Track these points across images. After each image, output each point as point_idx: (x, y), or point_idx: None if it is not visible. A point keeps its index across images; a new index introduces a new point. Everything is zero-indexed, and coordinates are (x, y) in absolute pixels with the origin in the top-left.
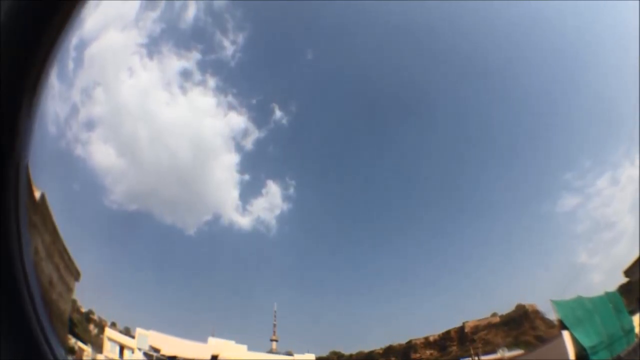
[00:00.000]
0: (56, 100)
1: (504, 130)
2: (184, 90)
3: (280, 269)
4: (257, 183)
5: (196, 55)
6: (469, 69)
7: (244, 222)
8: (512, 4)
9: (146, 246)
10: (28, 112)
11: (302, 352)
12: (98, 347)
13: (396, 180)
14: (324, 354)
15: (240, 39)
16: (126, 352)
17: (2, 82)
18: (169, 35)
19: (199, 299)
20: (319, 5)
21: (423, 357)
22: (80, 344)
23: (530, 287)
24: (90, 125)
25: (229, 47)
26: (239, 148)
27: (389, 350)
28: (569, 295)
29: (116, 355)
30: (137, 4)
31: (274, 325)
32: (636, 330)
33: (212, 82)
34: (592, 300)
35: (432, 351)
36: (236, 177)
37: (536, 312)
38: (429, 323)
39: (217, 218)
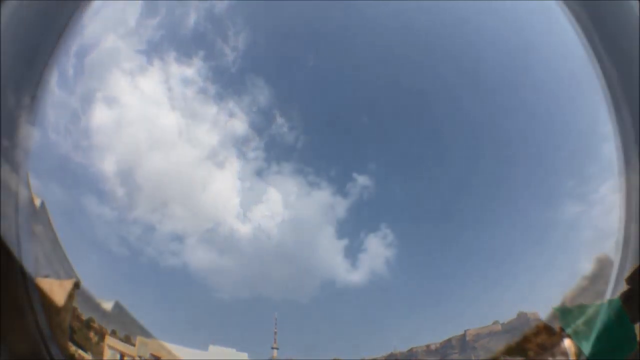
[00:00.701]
0: (57, 107)
1: (511, 139)
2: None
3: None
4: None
5: (198, 62)
6: (474, 73)
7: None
8: None
9: (147, 255)
10: (28, 119)
11: None
12: (98, 355)
13: (398, 186)
14: None
15: (240, 44)
16: None
17: (1, 89)
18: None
19: (199, 306)
20: (320, 9)
21: None
22: (80, 351)
23: (532, 295)
24: (91, 132)
25: (230, 53)
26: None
27: (390, 357)
28: (571, 302)
29: None
30: (138, 9)
31: (275, 333)
32: (638, 338)
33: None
34: (594, 307)
35: (433, 359)
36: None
37: (538, 320)
38: (430, 331)
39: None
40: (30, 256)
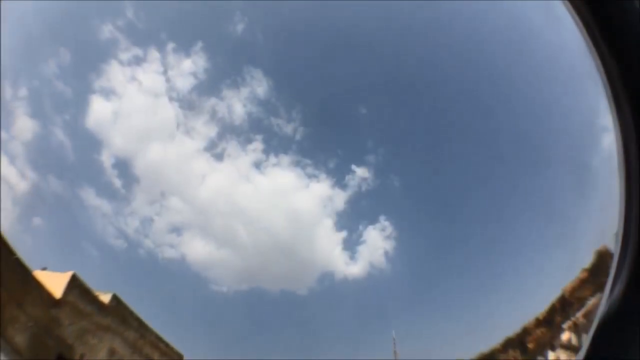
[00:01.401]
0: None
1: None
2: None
3: None
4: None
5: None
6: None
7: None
8: None
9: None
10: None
11: None
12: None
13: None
14: None
15: (295, 114)
16: None
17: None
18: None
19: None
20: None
21: None
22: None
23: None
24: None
25: (286, 125)
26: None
27: None
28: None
29: None
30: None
31: None
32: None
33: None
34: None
35: None
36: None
37: None
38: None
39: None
40: (28, 248)
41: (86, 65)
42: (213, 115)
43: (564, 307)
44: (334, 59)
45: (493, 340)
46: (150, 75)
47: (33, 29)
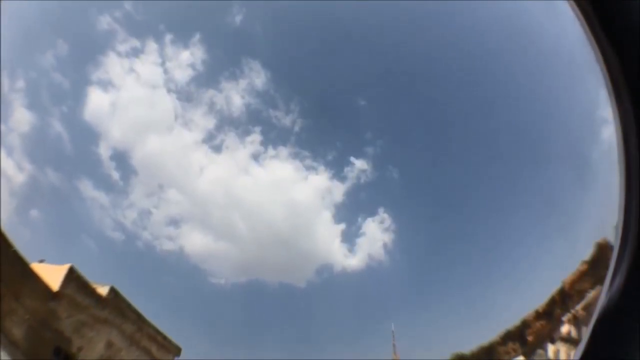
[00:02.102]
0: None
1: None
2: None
3: None
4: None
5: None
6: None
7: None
8: None
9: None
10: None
11: None
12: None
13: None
14: None
15: (294, 106)
16: None
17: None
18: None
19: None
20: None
21: None
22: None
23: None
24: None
25: (284, 117)
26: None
27: None
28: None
29: None
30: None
31: None
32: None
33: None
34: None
35: None
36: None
37: None
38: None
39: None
40: (25, 241)
41: (84, 57)
42: (211, 107)
43: (563, 299)
44: (333, 50)
45: (492, 332)
46: (148, 66)
47: (30, 21)
